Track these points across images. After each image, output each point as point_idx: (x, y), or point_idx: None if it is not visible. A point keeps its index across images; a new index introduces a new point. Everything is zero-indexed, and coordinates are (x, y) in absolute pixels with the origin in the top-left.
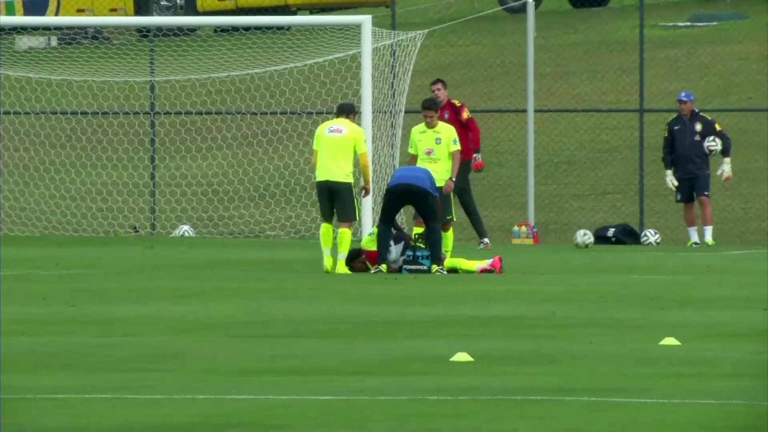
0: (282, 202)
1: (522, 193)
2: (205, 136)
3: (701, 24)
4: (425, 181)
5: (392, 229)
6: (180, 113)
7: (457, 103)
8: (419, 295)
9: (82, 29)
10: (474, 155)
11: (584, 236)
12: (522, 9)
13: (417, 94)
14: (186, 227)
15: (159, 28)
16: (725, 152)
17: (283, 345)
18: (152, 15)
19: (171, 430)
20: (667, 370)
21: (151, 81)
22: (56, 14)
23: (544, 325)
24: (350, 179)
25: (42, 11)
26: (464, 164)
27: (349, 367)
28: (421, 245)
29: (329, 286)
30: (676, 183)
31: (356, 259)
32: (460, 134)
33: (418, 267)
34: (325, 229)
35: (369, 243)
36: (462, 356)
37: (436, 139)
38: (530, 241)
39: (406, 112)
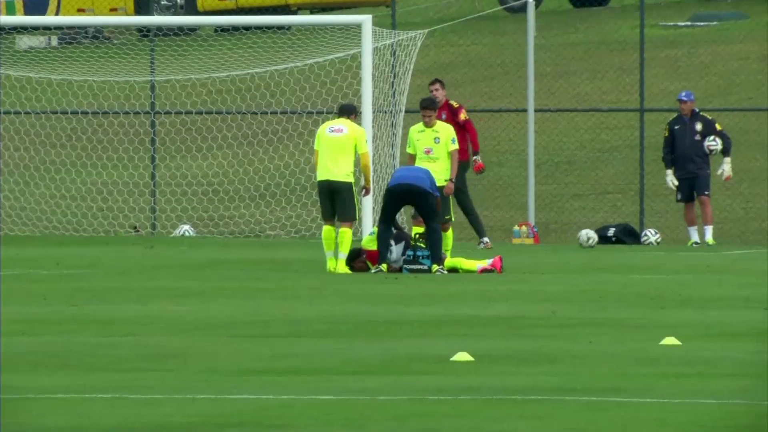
0: (282, 201)
1: (522, 192)
2: (205, 135)
3: (702, 24)
4: (425, 181)
5: (393, 229)
6: (180, 113)
7: (455, 104)
8: (419, 294)
9: (83, 29)
10: (474, 157)
11: (588, 241)
12: (522, 9)
13: (417, 93)
14: (186, 227)
15: (159, 28)
16: (726, 152)
17: (283, 345)
18: (152, 15)
19: (171, 430)
20: (667, 370)
21: (151, 81)
22: (56, 14)
23: (544, 325)
24: (351, 179)
25: (42, 11)
26: (461, 165)
27: (349, 366)
28: (422, 245)
29: (329, 285)
30: (676, 182)
31: (357, 258)
32: (457, 135)
33: (418, 267)
34: (326, 231)
35: (369, 243)
36: (462, 356)
37: (435, 139)
38: (530, 241)
39: (406, 111)
